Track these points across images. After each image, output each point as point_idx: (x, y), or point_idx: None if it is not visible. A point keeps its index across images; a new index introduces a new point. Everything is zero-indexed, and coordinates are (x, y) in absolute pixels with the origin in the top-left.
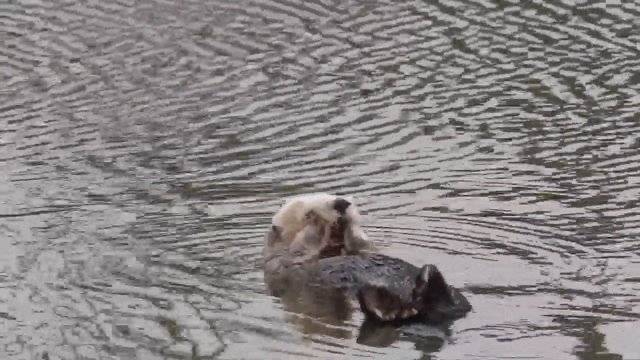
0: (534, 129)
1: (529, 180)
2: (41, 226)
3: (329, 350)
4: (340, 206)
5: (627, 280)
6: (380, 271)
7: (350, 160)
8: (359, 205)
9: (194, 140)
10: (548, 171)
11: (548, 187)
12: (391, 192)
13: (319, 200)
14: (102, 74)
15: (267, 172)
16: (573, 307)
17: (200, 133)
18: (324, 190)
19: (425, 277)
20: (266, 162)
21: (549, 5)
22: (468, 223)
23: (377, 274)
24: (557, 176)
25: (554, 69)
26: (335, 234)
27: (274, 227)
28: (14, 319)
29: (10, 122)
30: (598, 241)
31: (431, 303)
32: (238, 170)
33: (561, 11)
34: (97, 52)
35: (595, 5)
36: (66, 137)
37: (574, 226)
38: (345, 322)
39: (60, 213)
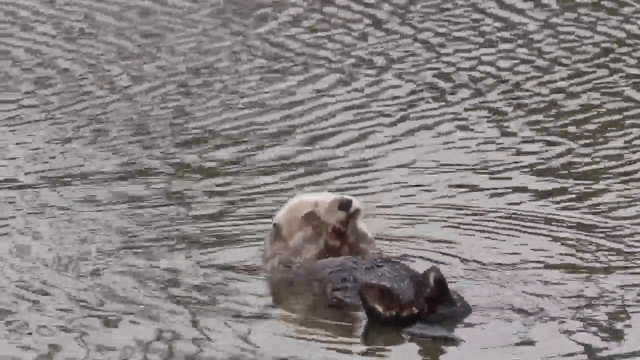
0: (610, 131)
1: (604, 181)
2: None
3: (329, 350)
4: (346, 206)
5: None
6: (380, 272)
7: (420, 166)
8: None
9: (242, 144)
10: (627, 169)
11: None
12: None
13: (324, 199)
14: (148, 78)
15: (333, 180)
16: (576, 308)
17: (244, 138)
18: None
19: (431, 281)
20: (332, 168)
21: (614, 5)
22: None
23: (378, 275)
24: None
25: (628, 71)
26: (338, 232)
27: (275, 225)
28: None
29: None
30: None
31: (434, 304)
32: (288, 180)
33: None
34: (145, 54)
35: None
36: (105, 147)
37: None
38: (345, 321)
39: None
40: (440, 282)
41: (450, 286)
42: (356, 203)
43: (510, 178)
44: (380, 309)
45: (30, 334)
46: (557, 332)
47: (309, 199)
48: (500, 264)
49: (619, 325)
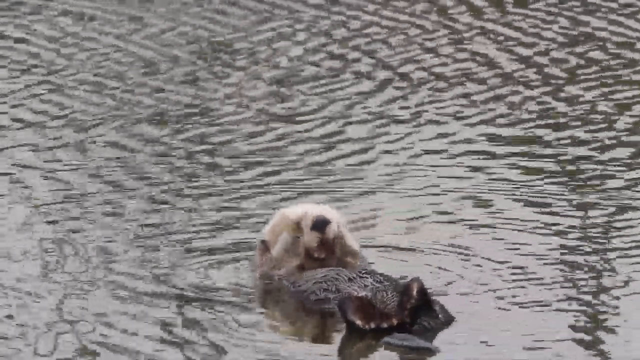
0: None
1: None
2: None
3: (307, 358)
4: (319, 227)
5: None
6: (364, 283)
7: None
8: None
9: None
10: None
11: None
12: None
13: (306, 215)
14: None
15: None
16: (561, 317)
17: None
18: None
19: (414, 292)
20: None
21: None
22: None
23: (360, 285)
24: None
25: None
26: (314, 258)
27: (263, 241)
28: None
29: None
30: None
31: (415, 315)
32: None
33: None
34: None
35: None
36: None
37: None
38: (327, 333)
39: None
40: (423, 293)
41: (433, 297)
42: (331, 227)
43: None
44: (360, 322)
45: None
46: (537, 345)
47: (293, 212)
48: (483, 273)
49: (605, 342)
